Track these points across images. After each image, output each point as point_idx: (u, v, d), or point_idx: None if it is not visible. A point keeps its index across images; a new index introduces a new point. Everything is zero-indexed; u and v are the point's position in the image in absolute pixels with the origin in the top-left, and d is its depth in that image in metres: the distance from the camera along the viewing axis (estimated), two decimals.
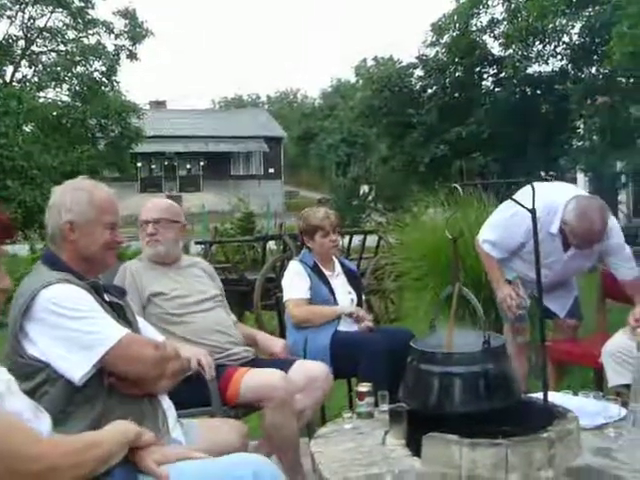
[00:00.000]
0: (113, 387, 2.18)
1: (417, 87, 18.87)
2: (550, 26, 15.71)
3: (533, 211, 2.41)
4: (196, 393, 2.91)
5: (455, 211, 3.00)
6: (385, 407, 2.74)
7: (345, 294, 4.14)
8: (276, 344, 3.55)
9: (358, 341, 3.81)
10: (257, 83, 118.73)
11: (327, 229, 4.08)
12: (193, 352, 3.00)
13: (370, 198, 22.62)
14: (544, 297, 3.32)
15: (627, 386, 3.32)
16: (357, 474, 2.29)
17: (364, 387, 2.81)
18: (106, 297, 2.35)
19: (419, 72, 18.82)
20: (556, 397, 2.69)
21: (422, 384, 2.41)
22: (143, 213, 3.39)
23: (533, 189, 2.44)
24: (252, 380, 3.06)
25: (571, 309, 4.25)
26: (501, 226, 3.94)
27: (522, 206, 2.49)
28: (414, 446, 2.37)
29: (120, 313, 2.36)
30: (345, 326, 4.02)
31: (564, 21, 15.82)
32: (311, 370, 3.29)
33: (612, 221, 3.82)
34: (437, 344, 2.48)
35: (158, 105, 44.31)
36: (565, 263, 3.96)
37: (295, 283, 4.04)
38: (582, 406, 2.66)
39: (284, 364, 3.29)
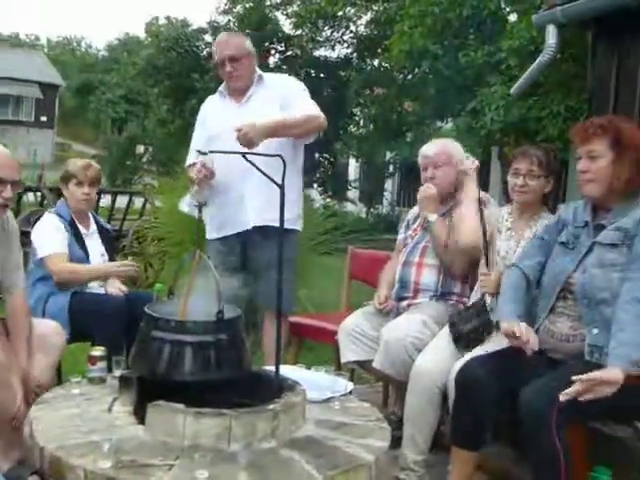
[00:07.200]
0: None
1: (204, 53, 18.60)
2: (340, 13, 16.21)
3: (282, 186, 2.43)
4: None
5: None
6: (118, 373, 2.66)
7: (98, 255, 3.95)
8: None
9: (96, 303, 3.65)
10: (37, 24, 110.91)
11: (81, 179, 3.86)
12: None
13: (145, 159, 22.09)
14: None
15: (358, 362, 3.52)
16: (75, 441, 2.19)
17: (97, 351, 2.72)
18: None
19: (208, 38, 18.55)
20: (289, 370, 2.76)
21: (152, 351, 2.36)
22: None
23: (284, 162, 2.46)
24: None
25: None
26: None
27: (274, 182, 2.49)
28: (141, 414, 2.32)
29: None
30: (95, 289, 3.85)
31: (353, 10, 16.40)
32: (39, 328, 3.03)
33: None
34: (172, 311, 2.43)
35: None
36: None
37: (54, 236, 3.77)
38: (313, 380, 2.75)
39: None
